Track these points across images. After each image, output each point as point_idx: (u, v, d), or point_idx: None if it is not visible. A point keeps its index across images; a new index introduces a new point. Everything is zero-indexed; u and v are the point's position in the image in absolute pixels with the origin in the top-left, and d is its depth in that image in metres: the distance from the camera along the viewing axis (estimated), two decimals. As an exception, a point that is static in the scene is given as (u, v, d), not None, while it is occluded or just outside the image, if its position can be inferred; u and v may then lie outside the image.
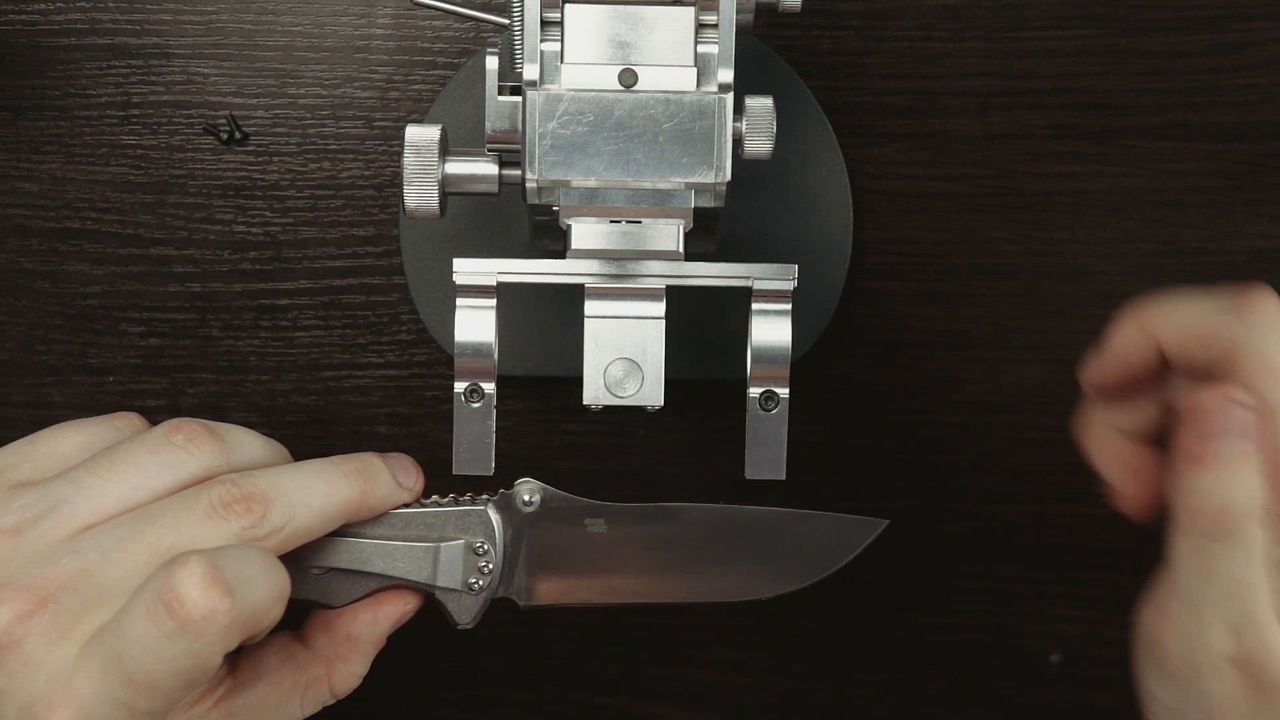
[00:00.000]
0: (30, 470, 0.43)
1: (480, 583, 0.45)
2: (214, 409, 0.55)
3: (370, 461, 0.45)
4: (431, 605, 0.46)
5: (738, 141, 0.44)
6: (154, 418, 0.55)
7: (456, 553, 0.45)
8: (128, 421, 0.45)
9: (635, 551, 0.46)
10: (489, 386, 0.45)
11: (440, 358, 0.55)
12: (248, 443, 0.44)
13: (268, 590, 0.40)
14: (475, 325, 0.45)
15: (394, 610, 0.46)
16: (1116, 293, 0.55)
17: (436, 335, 0.54)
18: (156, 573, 0.39)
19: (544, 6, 0.42)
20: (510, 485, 0.46)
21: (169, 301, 0.55)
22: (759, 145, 0.44)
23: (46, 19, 0.54)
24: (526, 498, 0.46)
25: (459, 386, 0.45)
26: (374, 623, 0.45)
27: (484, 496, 0.46)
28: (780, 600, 0.47)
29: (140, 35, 0.54)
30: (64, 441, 0.44)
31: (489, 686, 0.57)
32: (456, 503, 0.46)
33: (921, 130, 0.55)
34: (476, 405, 0.45)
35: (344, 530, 0.44)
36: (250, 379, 0.55)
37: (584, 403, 0.45)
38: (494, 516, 0.46)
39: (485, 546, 0.46)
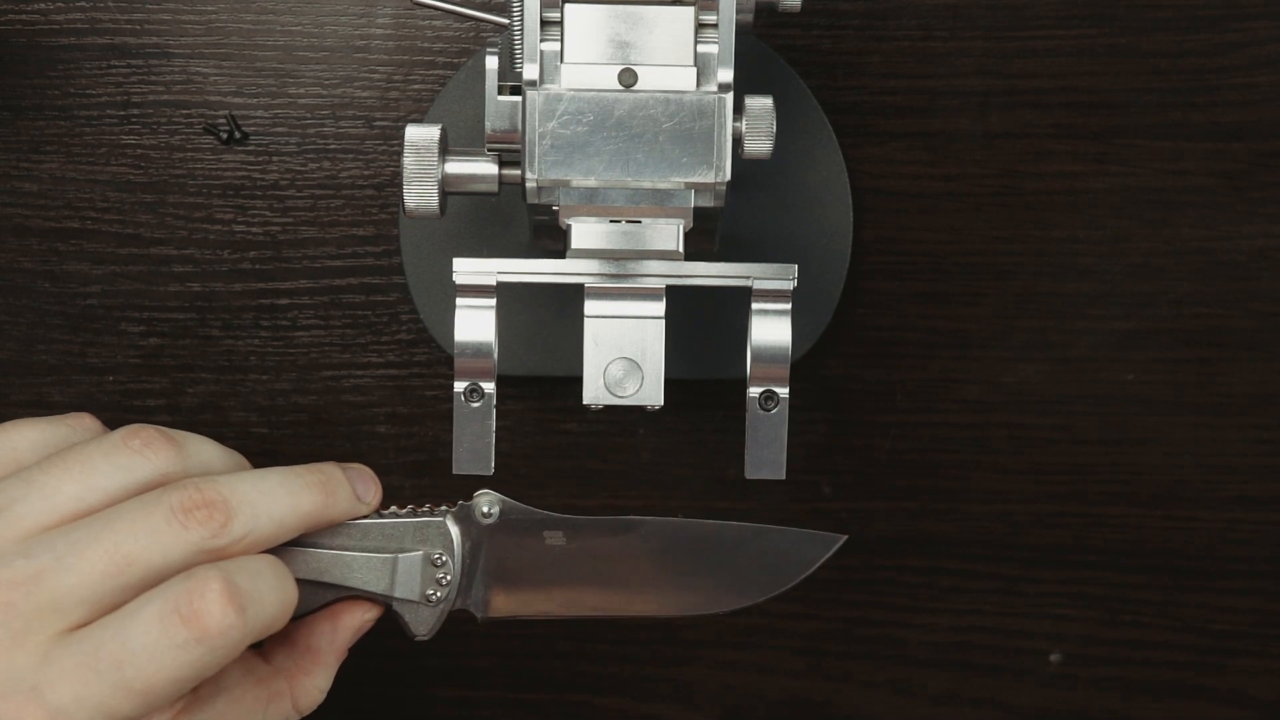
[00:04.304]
0: None
1: (438, 594, 0.45)
2: (214, 409, 0.55)
3: (332, 473, 0.44)
4: (388, 615, 0.46)
5: (738, 141, 0.44)
6: (154, 418, 0.55)
7: (414, 564, 0.45)
8: (81, 421, 0.44)
9: (594, 564, 0.46)
10: (489, 386, 0.45)
11: (440, 357, 0.55)
12: (206, 450, 0.43)
13: (278, 604, 0.40)
14: (475, 325, 0.45)
15: (352, 620, 0.45)
16: (1116, 293, 0.55)
17: (436, 335, 0.54)
18: (172, 583, 0.39)
19: (544, 6, 0.42)
20: (469, 497, 0.46)
21: (169, 301, 0.55)
22: (759, 145, 0.44)
23: (46, 19, 0.54)
24: (485, 509, 0.45)
25: (459, 386, 0.45)
26: (333, 633, 0.45)
27: (442, 508, 0.45)
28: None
29: (140, 35, 0.54)
30: (17, 438, 0.43)
31: (489, 686, 0.57)
32: (415, 514, 0.45)
33: (921, 130, 0.55)
34: (476, 405, 0.45)
35: (300, 540, 0.44)
36: (250, 379, 0.55)
37: (584, 402, 0.45)
38: (452, 528, 0.45)
39: (443, 558, 0.45)
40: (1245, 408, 0.56)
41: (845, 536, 0.46)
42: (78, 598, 0.39)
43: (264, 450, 0.55)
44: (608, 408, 0.45)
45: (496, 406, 0.45)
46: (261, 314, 0.55)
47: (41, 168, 0.54)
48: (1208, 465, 0.56)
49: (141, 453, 0.41)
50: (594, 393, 0.45)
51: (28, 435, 0.43)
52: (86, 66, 0.54)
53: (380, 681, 0.57)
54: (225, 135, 0.54)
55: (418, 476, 0.56)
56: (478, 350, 0.45)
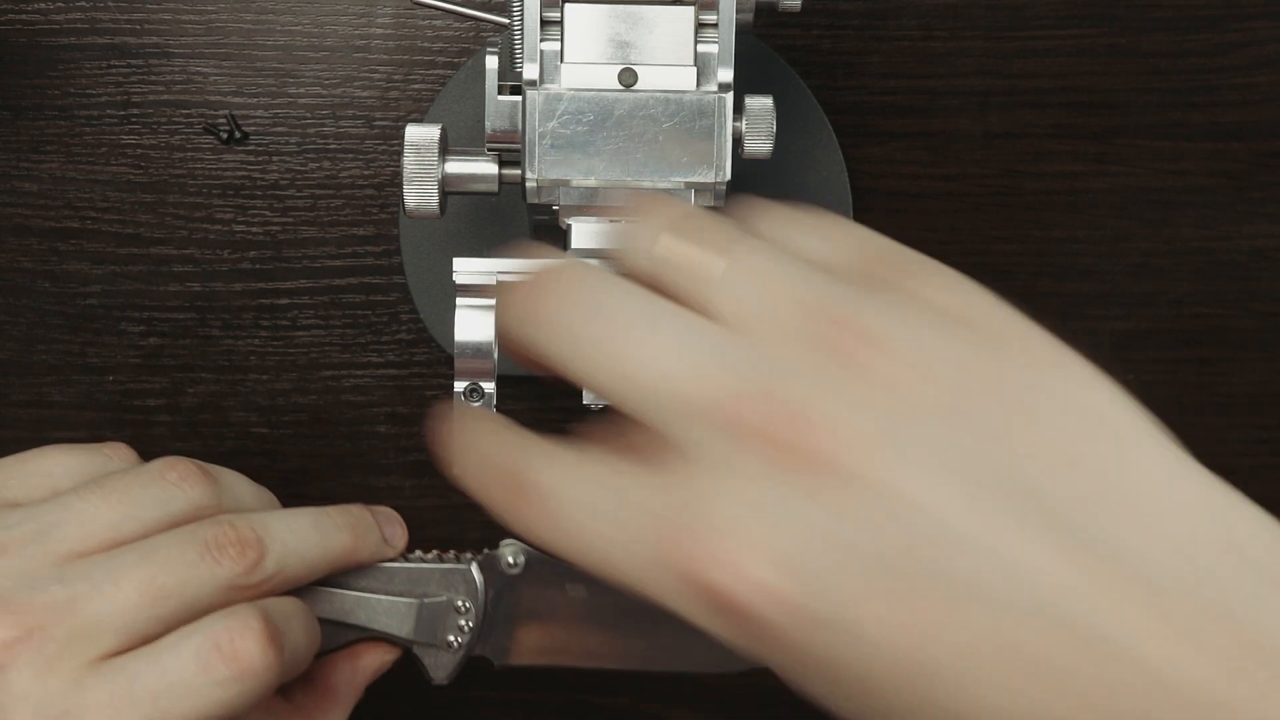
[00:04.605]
0: (17, 488, 0.43)
1: (459, 640, 0.46)
2: (214, 408, 0.55)
3: (362, 517, 0.45)
4: (406, 657, 0.46)
5: (737, 141, 0.44)
6: (154, 418, 0.55)
7: (438, 610, 0.45)
8: (117, 451, 0.45)
9: (614, 619, 0.46)
10: (489, 386, 0.45)
11: (440, 357, 0.55)
12: (240, 487, 0.44)
13: (308, 647, 0.41)
14: (475, 325, 0.45)
15: (373, 662, 0.46)
16: (1116, 293, 0.55)
17: (436, 335, 0.54)
18: (213, 620, 0.39)
19: (544, 6, 0.42)
20: (495, 545, 0.47)
21: (169, 301, 0.55)
22: (759, 145, 0.44)
23: (46, 19, 0.54)
24: (511, 560, 0.46)
25: (459, 386, 0.45)
26: (352, 674, 0.46)
27: (467, 555, 0.46)
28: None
29: (140, 35, 0.54)
30: (53, 463, 0.44)
31: (489, 687, 0.57)
32: (441, 559, 0.46)
33: (921, 130, 0.55)
34: (476, 405, 0.45)
35: (326, 580, 0.44)
36: (250, 378, 0.55)
37: (584, 403, 0.45)
38: (477, 576, 0.46)
39: (467, 605, 0.46)
40: (1245, 408, 0.56)
41: None
42: (111, 626, 0.39)
43: (264, 450, 0.55)
44: (608, 408, 0.45)
45: (496, 406, 0.45)
46: (261, 314, 0.55)
47: (41, 168, 0.54)
48: (1208, 465, 0.56)
49: (179, 486, 0.42)
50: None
51: (64, 462, 0.44)
52: (86, 66, 0.54)
53: (380, 681, 0.56)
54: (225, 135, 0.54)
55: (418, 476, 0.56)
56: (478, 350, 0.45)
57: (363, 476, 0.55)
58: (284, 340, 0.55)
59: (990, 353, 0.28)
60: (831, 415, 0.27)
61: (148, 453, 0.55)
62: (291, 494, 0.55)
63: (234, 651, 0.39)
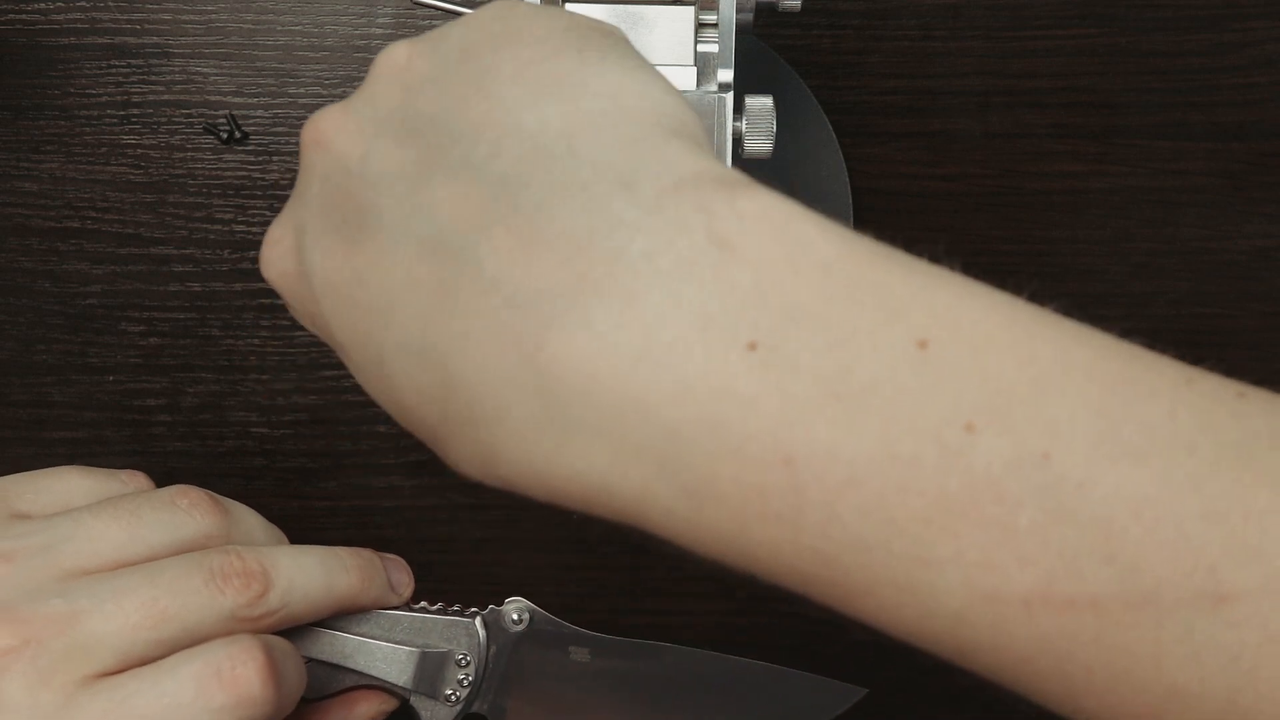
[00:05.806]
0: (31, 501, 0.43)
1: (457, 694, 0.45)
2: (214, 408, 0.55)
3: (371, 560, 0.45)
4: (402, 708, 0.46)
5: (737, 141, 0.44)
6: (154, 418, 0.55)
7: (438, 661, 0.45)
8: (133, 478, 0.45)
9: (614, 686, 0.47)
10: None
11: (440, 357, 0.55)
12: (249, 521, 0.44)
13: (296, 691, 0.41)
14: None
15: (368, 710, 0.46)
16: (1117, 293, 0.55)
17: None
18: (214, 646, 0.39)
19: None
20: (500, 601, 0.47)
21: (169, 301, 0.55)
22: (759, 144, 0.44)
23: (46, 19, 0.54)
24: (515, 617, 0.46)
25: None
26: None
27: (472, 609, 0.46)
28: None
29: (140, 35, 0.54)
30: (69, 482, 0.44)
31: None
32: (445, 611, 0.46)
33: (921, 130, 0.55)
34: None
35: (328, 622, 0.44)
36: (250, 378, 0.55)
37: None
38: (481, 631, 0.46)
39: (468, 659, 0.46)
40: (1245, 408, 0.56)
41: (865, 690, 0.47)
42: (110, 645, 0.39)
43: (264, 450, 0.55)
44: None
45: None
46: (261, 314, 0.55)
47: (41, 168, 0.54)
48: (1208, 465, 0.56)
49: (189, 512, 0.42)
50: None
51: (82, 483, 0.44)
52: (86, 66, 0.54)
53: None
54: (225, 135, 0.54)
55: (417, 476, 0.56)
56: None
57: (363, 476, 0.55)
58: (284, 340, 0.55)
59: (471, 55, 0.31)
60: (334, 121, 0.32)
61: (148, 452, 0.55)
62: (291, 494, 0.55)
63: (234, 679, 0.38)
